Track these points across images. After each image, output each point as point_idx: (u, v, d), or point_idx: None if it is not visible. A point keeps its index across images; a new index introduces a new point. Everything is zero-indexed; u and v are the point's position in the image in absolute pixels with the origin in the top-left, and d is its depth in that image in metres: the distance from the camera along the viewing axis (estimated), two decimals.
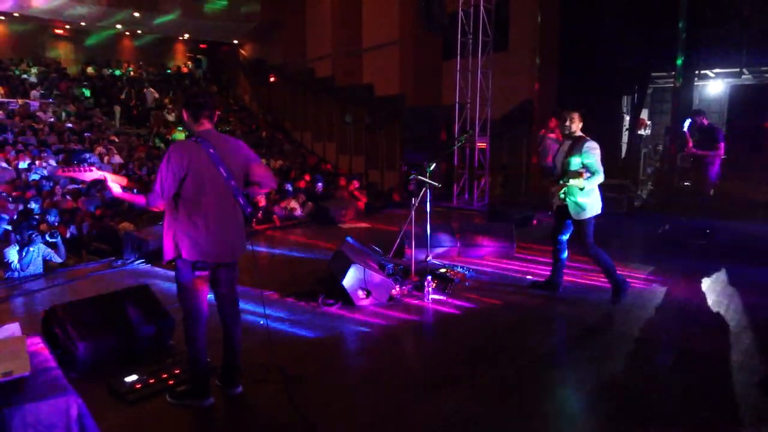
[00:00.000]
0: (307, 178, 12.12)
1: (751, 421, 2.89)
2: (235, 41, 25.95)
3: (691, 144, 7.26)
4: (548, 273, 5.17)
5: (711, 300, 4.85)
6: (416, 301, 4.79)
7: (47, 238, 6.21)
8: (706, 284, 5.31)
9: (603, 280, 4.88)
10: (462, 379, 3.38)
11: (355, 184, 11.27)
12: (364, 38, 16.56)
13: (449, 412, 2.98)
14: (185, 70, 27.11)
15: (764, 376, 3.32)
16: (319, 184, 11.06)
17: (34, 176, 11.09)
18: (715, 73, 10.07)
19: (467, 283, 5.35)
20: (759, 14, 8.58)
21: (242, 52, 26.17)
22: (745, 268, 5.89)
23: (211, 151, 2.84)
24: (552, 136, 9.18)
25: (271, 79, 22.42)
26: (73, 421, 2.08)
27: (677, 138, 9.11)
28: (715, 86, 10.73)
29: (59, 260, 6.20)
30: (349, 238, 5.63)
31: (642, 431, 2.81)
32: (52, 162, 12.59)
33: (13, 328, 2.50)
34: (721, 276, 5.58)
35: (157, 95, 21.46)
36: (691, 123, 7.24)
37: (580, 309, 4.63)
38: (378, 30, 15.74)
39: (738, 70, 9.44)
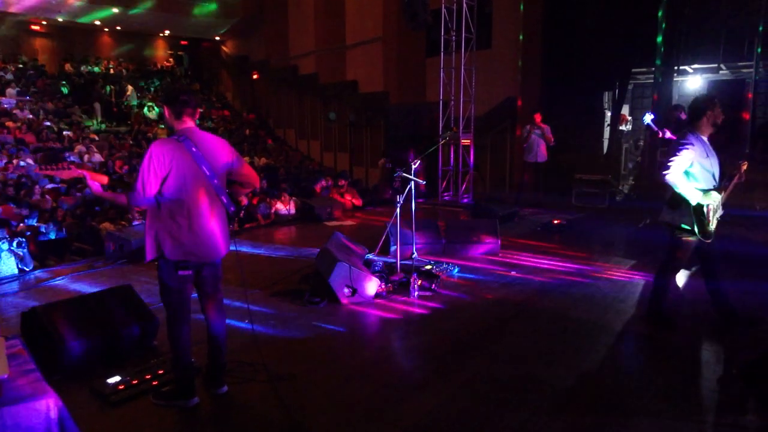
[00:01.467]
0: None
1: (732, 412, 2.95)
2: (217, 38, 25.66)
3: (662, 135, 7.31)
4: (532, 265, 5.16)
5: (691, 293, 4.93)
6: (402, 298, 4.80)
7: (14, 247, 6.03)
8: (686, 277, 5.40)
9: (585, 274, 4.93)
10: (449, 375, 3.40)
11: (342, 182, 11.22)
12: (348, 35, 16.50)
13: (437, 408, 2.99)
14: (168, 65, 26.75)
15: (743, 367, 3.39)
16: (322, 181, 10.94)
17: (12, 176, 10.87)
18: (693, 69, 10.23)
19: (452, 279, 5.38)
20: (736, 10, 8.75)
21: (224, 48, 25.90)
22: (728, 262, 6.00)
23: (194, 149, 2.81)
24: (537, 131, 9.25)
25: (254, 76, 22.23)
26: (53, 423, 2.05)
27: (646, 132, 9.30)
28: (693, 81, 10.91)
29: (26, 269, 6.04)
30: (336, 235, 5.62)
31: (624, 423, 2.85)
32: (30, 161, 12.36)
33: None
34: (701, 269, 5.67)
35: (129, 92, 21.12)
36: (654, 117, 7.31)
37: (564, 303, 4.68)
38: (361, 26, 15.70)
39: (716, 65, 9.60)
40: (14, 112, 16.79)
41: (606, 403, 3.04)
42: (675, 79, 10.03)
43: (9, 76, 19.86)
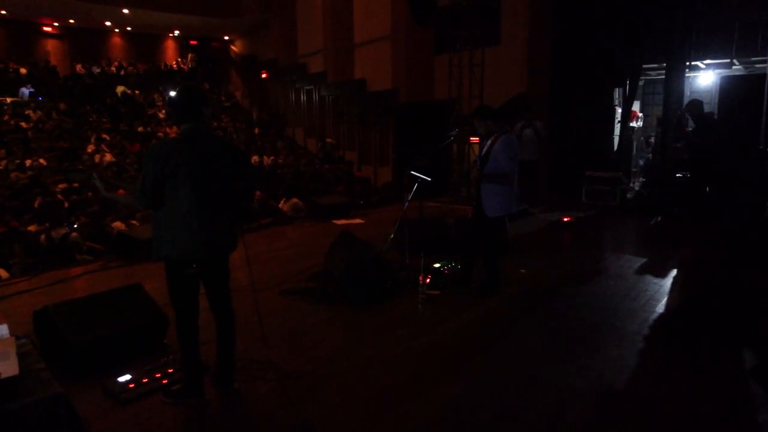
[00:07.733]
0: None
1: (745, 411, 2.91)
2: (226, 37, 25.79)
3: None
4: (541, 263, 5.16)
5: (705, 291, 4.87)
6: (411, 296, 4.78)
7: None
8: (699, 275, 5.34)
9: (595, 273, 4.88)
10: (457, 373, 3.38)
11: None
12: (356, 33, 16.49)
13: (447, 404, 2.98)
14: (184, 67, 26.91)
15: (757, 364, 3.34)
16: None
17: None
18: (705, 64, 10.09)
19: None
20: (748, 3, 8.61)
21: (233, 48, 26.02)
22: (738, 260, 5.92)
23: (197, 148, 2.81)
24: (529, 129, 9.08)
25: (263, 75, 22.31)
26: (62, 421, 2.06)
27: (657, 129, 9.21)
28: (705, 77, 10.76)
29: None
30: (343, 232, 5.61)
31: (636, 424, 2.82)
32: (42, 161, 12.49)
33: (2, 330, 2.48)
34: (715, 266, 5.61)
35: (129, 92, 21.24)
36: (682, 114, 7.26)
37: (575, 302, 4.64)
38: (370, 25, 15.67)
39: (728, 60, 9.46)
40: (27, 112, 16.99)
41: (615, 405, 3.01)
42: (687, 74, 9.89)
43: (22, 78, 20.08)
